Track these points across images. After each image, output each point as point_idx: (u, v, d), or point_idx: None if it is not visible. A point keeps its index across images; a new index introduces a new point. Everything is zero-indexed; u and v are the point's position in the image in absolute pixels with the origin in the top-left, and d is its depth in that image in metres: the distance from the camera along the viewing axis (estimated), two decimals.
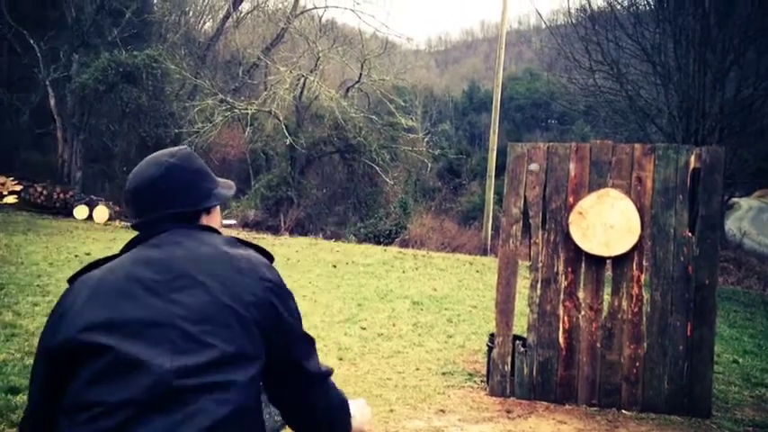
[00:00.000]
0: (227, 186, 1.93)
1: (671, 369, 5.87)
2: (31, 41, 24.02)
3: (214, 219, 1.87)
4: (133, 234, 1.79)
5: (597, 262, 6.10)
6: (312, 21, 31.52)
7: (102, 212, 21.64)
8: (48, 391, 1.57)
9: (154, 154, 1.85)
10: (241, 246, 1.77)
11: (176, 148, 1.87)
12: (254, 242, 1.87)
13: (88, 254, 13.17)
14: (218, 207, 1.90)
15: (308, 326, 8.43)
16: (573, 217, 6.06)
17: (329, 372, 1.88)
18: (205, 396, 1.48)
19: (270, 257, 1.83)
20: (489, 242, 22.27)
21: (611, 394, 5.98)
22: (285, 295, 1.75)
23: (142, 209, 1.78)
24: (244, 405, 1.54)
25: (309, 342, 1.83)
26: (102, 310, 1.55)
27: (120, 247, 1.78)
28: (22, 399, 5.07)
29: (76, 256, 12.88)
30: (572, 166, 6.21)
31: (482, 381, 6.61)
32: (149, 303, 1.56)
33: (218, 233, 1.80)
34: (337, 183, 28.86)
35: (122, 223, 21.48)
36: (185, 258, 1.65)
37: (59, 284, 9.73)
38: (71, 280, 1.70)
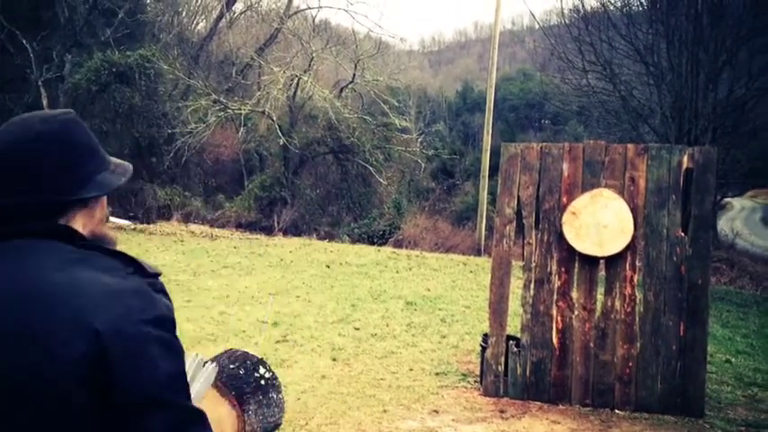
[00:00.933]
0: (120, 171, 1.40)
1: (664, 369, 5.88)
2: (24, 42, 23.92)
3: (93, 215, 1.35)
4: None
5: (590, 262, 6.11)
6: (305, 21, 31.52)
7: None
8: None
9: (24, 115, 1.34)
10: (93, 263, 1.24)
11: (58, 111, 1.37)
12: (118, 252, 1.32)
13: None
14: (102, 200, 1.37)
15: (301, 326, 8.46)
16: (566, 217, 6.07)
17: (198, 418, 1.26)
18: None
19: (150, 274, 1.28)
20: (483, 242, 22.26)
21: (604, 394, 5.99)
22: (139, 345, 1.16)
23: None
24: None
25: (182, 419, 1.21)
26: None
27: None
28: None
29: None
30: (565, 166, 6.21)
31: (476, 381, 6.61)
32: None
33: (77, 240, 1.28)
34: (331, 183, 28.82)
35: (113, 223, 21.41)
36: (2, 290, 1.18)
37: None
38: None
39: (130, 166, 1.45)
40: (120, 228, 20.23)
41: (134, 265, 1.26)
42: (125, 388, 1.13)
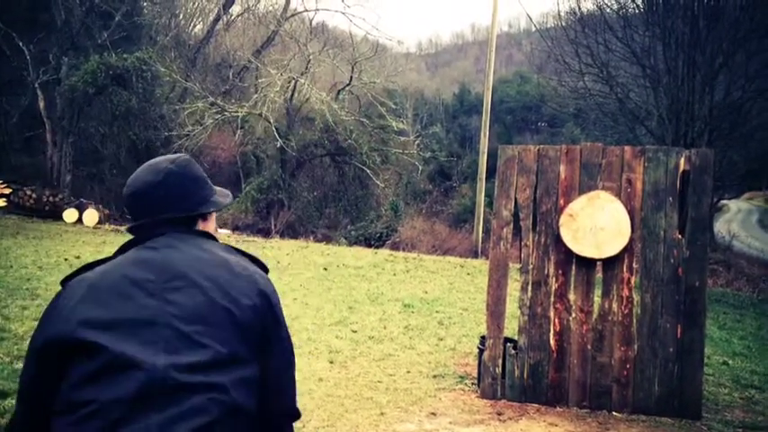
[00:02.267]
0: (223, 194, 1.97)
1: (661, 371, 5.89)
2: (20, 44, 23.89)
3: (210, 225, 1.91)
4: (128, 237, 1.82)
5: (588, 264, 6.11)
6: (303, 23, 31.52)
7: (91, 215, 21.53)
8: (38, 392, 1.55)
9: (153, 159, 1.88)
10: (238, 254, 1.82)
11: (176, 155, 1.91)
12: (249, 252, 1.90)
13: (78, 257, 13.10)
14: (213, 214, 1.94)
15: (298, 328, 8.45)
16: (563, 219, 6.07)
17: (297, 414, 1.86)
18: (198, 395, 1.49)
19: (265, 268, 1.87)
20: (480, 245, 22.28)
21: (601, 396, 5.99)
22: (279, 308, 1.77)
23: (140, 213, 1.81)
24: (236, 406, 1.55)
25: (291, 365, 1.84)
26: (97, 308, 1.55)
27: (111, 250, 1.81)
28: (10, 403, 5.04)
29: (66, 259, 12.82)
30: (562, 168, 6.22)
31: (473, 383, 6.61)
32: (144, 303, 1.57)
33: (214, 239, 1.84)
34: (328, 185, 28.82)
35: (112, 226, 21.39)
36: (182, 261, 1.67)
37: (49, 288, 9.68)
38: (64, 282, 1.70)
39: (230, 193, 2.04)
40: (117, 231, 20.23)
41: (257, 262, 1.88)
42: (277, 327, 1.75)
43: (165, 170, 1.81)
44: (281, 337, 1.77)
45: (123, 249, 1.77)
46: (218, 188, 1.98)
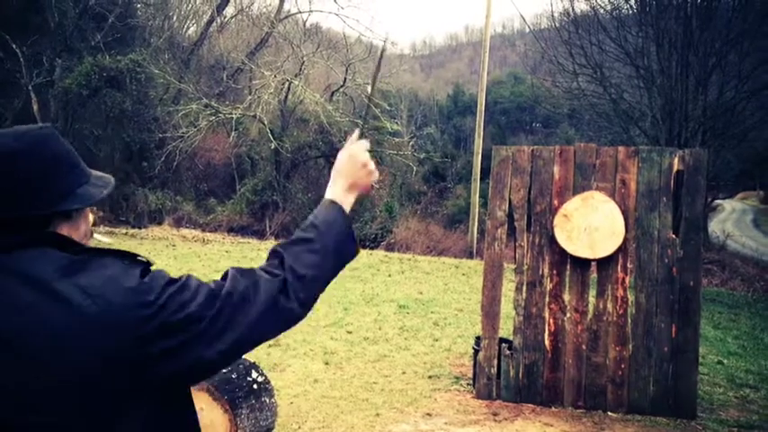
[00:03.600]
0: (101, 183, 1.43)
1: (656, 371, 5.90)
2: (14, 46, 23.82)
3: (78, 228, 1.38)
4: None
5: (582, 264, 6.12)
6: (296, 25, 31.50)
7: None
8: None
9: None
10: (88, 267, 1.27)
11: (30, 126, 1.36)
12: (123, 249, 1.38)
13: None
14: (85, 211, 1.41)
15: (293, 330, 8.43)
16: (558, 220, 6.08)
17: (222, 289, 1.35)
18: None
19: (141, 266, 1.32)
20: (475, 245, 22.28)
21: (596, 396, 6.00)
22: (154, 323, 1.24)
23: None
24: None
25: (203, 318, 1.29)
26: None
27: None
28: None
29: None
30: (556, 168, 6.23)
31: (468, 384, 6.61)
32: None
33: (70, 245, 1.32)
34: (322, 187, 28.49)
35: (106, 228, 21.34)
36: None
37: None
38: None
39: (112, 179, 1.47)
40: (111, 233, 20.17)
41: (128, 258, 1.32)
42: (159, 355, 1.23)
43: (8, 150, 1.28)
44: (185, 352, 1.27)
45: None
46: (95, 173, 1.44)
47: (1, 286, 1.21)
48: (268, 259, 1.46)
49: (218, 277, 1.39)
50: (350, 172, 1.67)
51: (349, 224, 1.60)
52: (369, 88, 25.66)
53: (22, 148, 1.28)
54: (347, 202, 1.68)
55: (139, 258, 1.33)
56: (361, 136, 1.75)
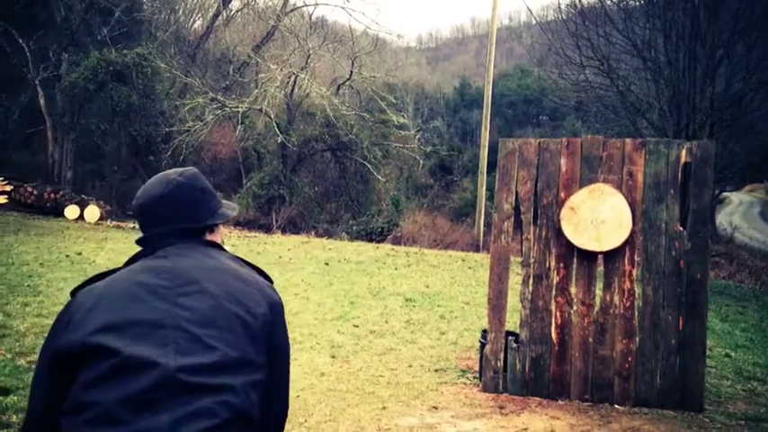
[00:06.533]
0: (230, 207, 2.01)
1: (663, 363, 5.88)
2: (20, 41, 23.89)
3: (217, 237, 1.95)
4: (130, 234, 1.80)
5: (589, 257, 6.10)
6: (302, 18, 31.49)
7: (93, 212, 21.54)
8: (50, 397, 1.58)
9: (163, 173, 1.93)
10: (244, 264, 1.87)
11: (183, 168, 1.97)
12: (255, 264, 1.94)
13: (79, 254, 13.11)
14: (221, 226, 1.98)
15: (300, 324, 8.46)
16: (564, 212, 6.06)
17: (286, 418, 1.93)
18: (207, 397, 1.52)
19: (270, 280, 1.90)
20: (481, 238, 22.27)
21: (603, 389, 5.98)
22: (284, 319, 1.83)
23: (149, 224, 1.84)
24: (243, 410, 1.57)
25: (289, 373, 1.89)
26: (108, 313, 1.58)
27: (112, 246, 1.82)
28: (12, 400, 5.03)
29: (68, 256, 12.82)
30: (563, 161, 6.21)
31: (475, 377, 6.61)
32: (155, 306, 1.60)
33: (223, 249, 1.89)
34: (329, 180, 28.81)
35: (114, 222, 21.41)
36: (192, 268, 1.71)
37: (50, 285, 9.69)
38: (73, 292, 1.73)
39: (236, 205, 2.11)
40: (119, 227, 20.23)
41: (262, 273, 1.90)
42: (281, 337, 1.79)
43: (174, 182, 1.85)
44: (285, 346, 1.82)
45: (132, 260, 1.80)
46: (224, 201, 2.02)
47: (199, 259, 1.75)
48: None
49: None
50: None
51: None
52: (375, 81, 25.67)
53: (186, 183, 1.87)
54: None
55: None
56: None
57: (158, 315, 1.58)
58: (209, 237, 1.90)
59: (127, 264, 1.78)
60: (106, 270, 1.78)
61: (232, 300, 1.66)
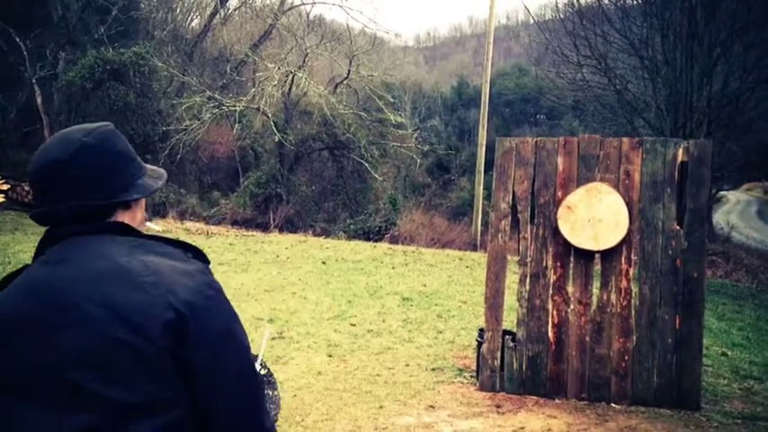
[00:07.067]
0: (155, 176, 1.59)
1: (660, 362, 5.89)
2: (17, 40, 23.82)
3: (135, 215, 1.53)
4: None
5: (586, 256, 6.11)
6: (300, 17, 31.47)
7: None
8: None
9: (67, 129, 1.50)
10: (155, 250, 1.43)
11: (96, 124, 1.53)
12: (179, 240, 1.53)
13: None
14: (141, 201, 1.56)
15: (297, 323, 8.45)
16: (561, 211, 6.07)
17: None
18: None
19: (203, 259, 1.49)
20: (479, 237, 22.27)
21: (600, 388, 5.99)
22: (217, 305, 1.39)
23: (44, 197, 1.44)
24: None
25: (251, 389, 1.43)
26: None
27: None
28: None
29: None
30: (560, 160, 6.21)
31: (472, 376, 6.61)
32: (33, 350, 1.30)
33: (134, 233, 1.48)
34: (326, 179, 28.79)
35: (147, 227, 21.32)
36: (73, 283, 1.34)
37: None
38: None
39: (165, 172, 1.65)
40: None
41: (193, 251, 1.48)
42: (203, 340, 1.34)
43: (78, 143, 1.43)
44: (224, 338, 1.38)
45: (37, 252, 1.47)
46: (149, 167, 1.60)
47: (83, 265, 1.36)
48: None
49: (220, 269, 1.49)
50: None
51: None
52: (373, 80, 25.64)
53: (91, 143, 1.44)
54: None
55: (202, 255, 1.50)
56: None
57: (35, 364, 1.29)
58: (122, 216, 1.49)
59: (35, 254, 1.47)
60: (9, 274, 1.48)
61: (115, 322, 1.28)
